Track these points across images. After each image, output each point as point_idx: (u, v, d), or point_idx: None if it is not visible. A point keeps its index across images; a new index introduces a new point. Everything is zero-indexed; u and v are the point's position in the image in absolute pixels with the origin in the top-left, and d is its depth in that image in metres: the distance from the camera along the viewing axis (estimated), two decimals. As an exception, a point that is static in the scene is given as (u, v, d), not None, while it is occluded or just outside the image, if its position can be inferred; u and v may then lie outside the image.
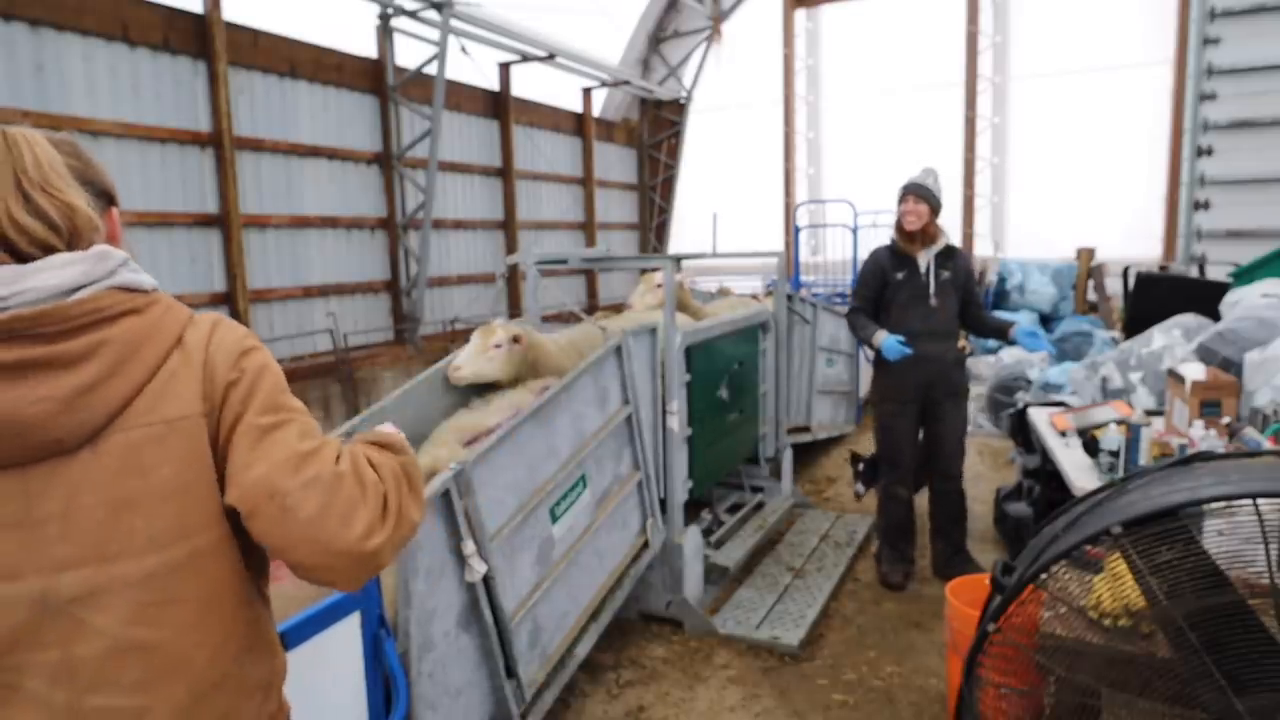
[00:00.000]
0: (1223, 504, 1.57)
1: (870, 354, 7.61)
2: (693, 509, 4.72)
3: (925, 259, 4.37)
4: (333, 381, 9.49)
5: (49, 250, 1.09)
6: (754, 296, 6.63)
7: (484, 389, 3.61)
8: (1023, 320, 9.75)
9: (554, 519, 3.16)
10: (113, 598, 1.08)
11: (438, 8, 10.56)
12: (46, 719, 1.07)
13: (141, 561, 1.09)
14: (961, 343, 4.54)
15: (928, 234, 4.34)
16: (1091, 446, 3.54)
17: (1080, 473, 3.45)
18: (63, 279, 1.07)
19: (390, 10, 10.72)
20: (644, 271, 5.78)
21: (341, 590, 1.23)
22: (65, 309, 1.05)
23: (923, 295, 4.37)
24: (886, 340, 4.32)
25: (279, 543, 1.13)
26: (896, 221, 4.43)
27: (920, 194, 4.30)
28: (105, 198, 1.23)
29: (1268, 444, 3.19)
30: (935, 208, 4.36)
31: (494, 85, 13.36)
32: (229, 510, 1.16)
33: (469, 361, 3.50)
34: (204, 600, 1.15)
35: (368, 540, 1.15)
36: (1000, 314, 9.10)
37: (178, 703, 1.13)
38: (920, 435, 4.62)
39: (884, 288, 4.45)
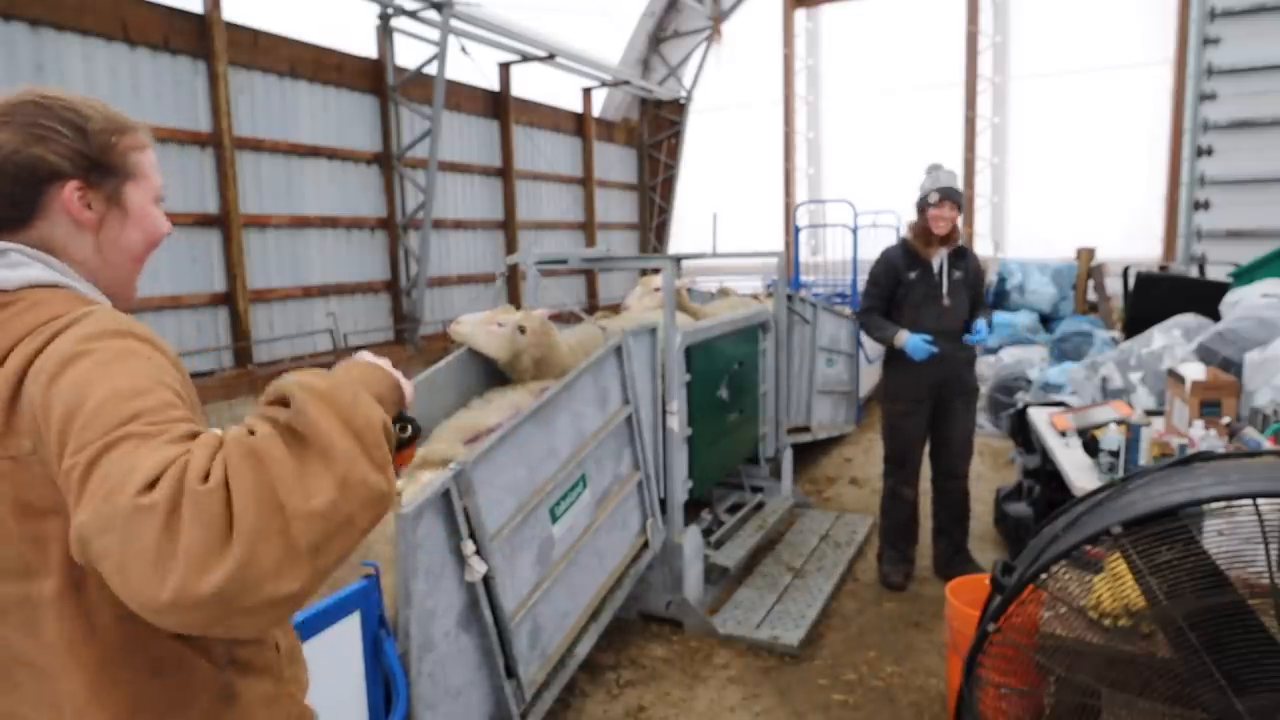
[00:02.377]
0: (1223, 504, 1.57)
1: (871, 354, 7.60)
2: (693, 509, 4.72)
3: (939, 259, 4.37)
4: (333, 381, 9.47)
5: None
6: (755, 297, 6.62)
7: (484, 389, 3.61)
8: (1022, 320, 9.77)
9: (554, 519, 3.16)
10: (6, 614, 1.00)
11: (438, 8, 10.56)
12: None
13: (14, 586, 0.98)
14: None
15: (951, 235, 4.34)
16: (1091, 446, 3.54)
17: (1080, 473, 3.45)
18: None
19: (390, 10, 10.72)
20: (643, 273, 5.79)
21: (243, 637, 1.02)
22: None
23: (936, 295, 4.36)
24: (911, 340, 4.29)
25: (125, 594, 0.83)
26: (916, 224, 4.38)
27: (955, 199, 4.29)
28: (40, 180, 1.05)
29: (1268, 444, 3.19)
30: (961, 209, 4.38)
31: (494, 85, 13.37)
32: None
33: (470, 324, 3.51)
34: (57, 648, 0.98)
35: (202, 580, 0.78)
36: (996, 314, 9.10)
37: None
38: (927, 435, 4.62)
39: (896, 287, 4.43)
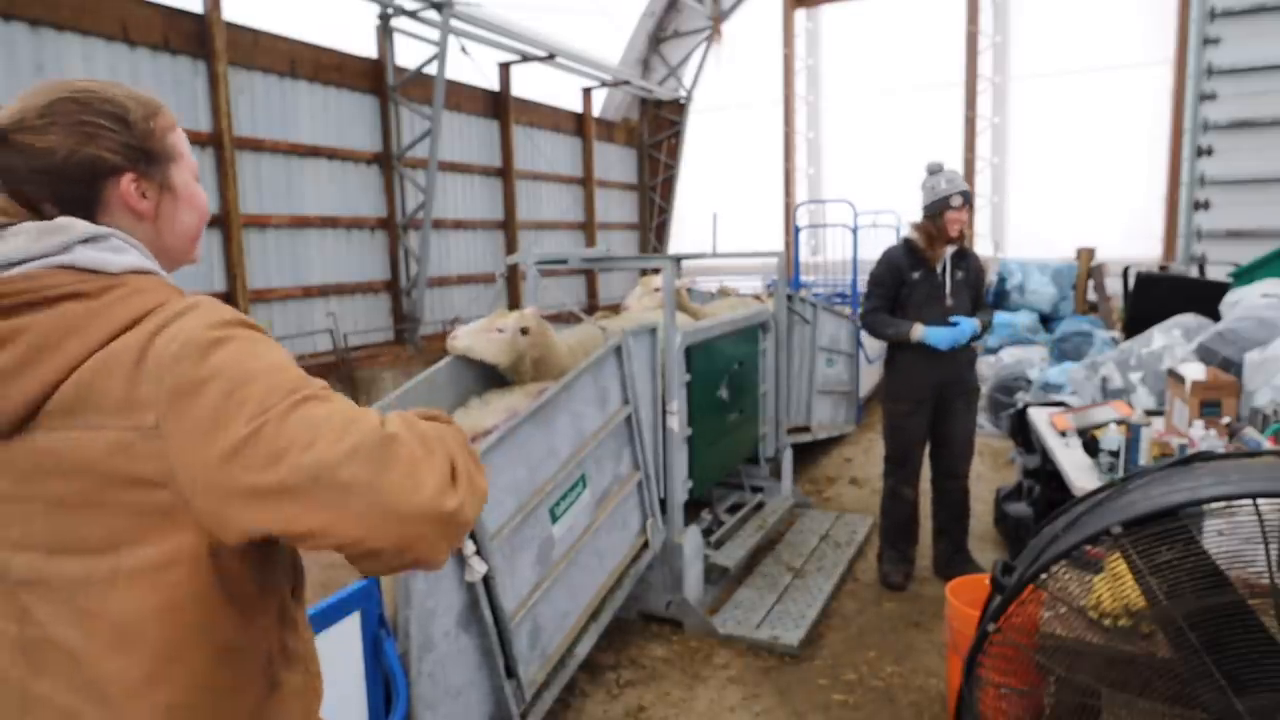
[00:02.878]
0: (1223, 504, 1.57)
1: (871, 354, 7.59)
2: (693, 509, 4.71)
3: (941, 260, 4.37)
4: (333, 382, 9.48)
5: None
6: (756, 297, 6.61)
7: (483, 390, 3.61)
8: (1022, 320, 9.77)
9: (554, 519, 3.16)
10: (51, 592, 1.00)
11: (438, 8, 10.56)
12: (4, 693, 1.03)
13: (76, 563, 0.99)
14: (973, 342, 4.53)
15: (958, 236, 4.35)
16: (1091, 446, 3.54)
17: (1080, 473, 3.45)
18: (3, 252, 0.96)
19: (390, 10, 10.72)
20: (643, 273, 5.79)
21: (430, 567, 1.01)
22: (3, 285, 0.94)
23: (939, 295, 4.36)
24: (930, 331, 4.27)
25: (339, 529, 0.92)
26: (928, 226, 4.34)
27: (971, 201, 4.30)
28: (97, 175, 1.07)
29: (1268, 444, 3.19)
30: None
31: (494, 85, 13.37)
32: (236, 549, 1.00)
33: (468, 335, 3.46)
34: (125, 626, 0.99)
35: (443, 499, 0.95)
36: (996, 314, 9.09)
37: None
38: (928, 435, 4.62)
39: (900, 287, 4.43)
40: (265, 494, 0.91)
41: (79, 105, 1.06)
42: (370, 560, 0.96)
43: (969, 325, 4.30)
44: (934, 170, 4.35)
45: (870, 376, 8.04)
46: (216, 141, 8.63)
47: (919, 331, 4.30)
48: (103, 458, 0.96)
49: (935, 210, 4.27)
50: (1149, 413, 4.02)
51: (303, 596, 1.21)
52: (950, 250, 4.37)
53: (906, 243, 4.45)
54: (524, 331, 3.47)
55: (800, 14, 16.28)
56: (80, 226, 1.01)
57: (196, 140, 8.46)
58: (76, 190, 1.05)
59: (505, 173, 13.69)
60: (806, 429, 6.52)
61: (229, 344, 0.96)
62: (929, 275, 4.37)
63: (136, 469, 0.96)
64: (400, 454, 0.94)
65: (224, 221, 8.72)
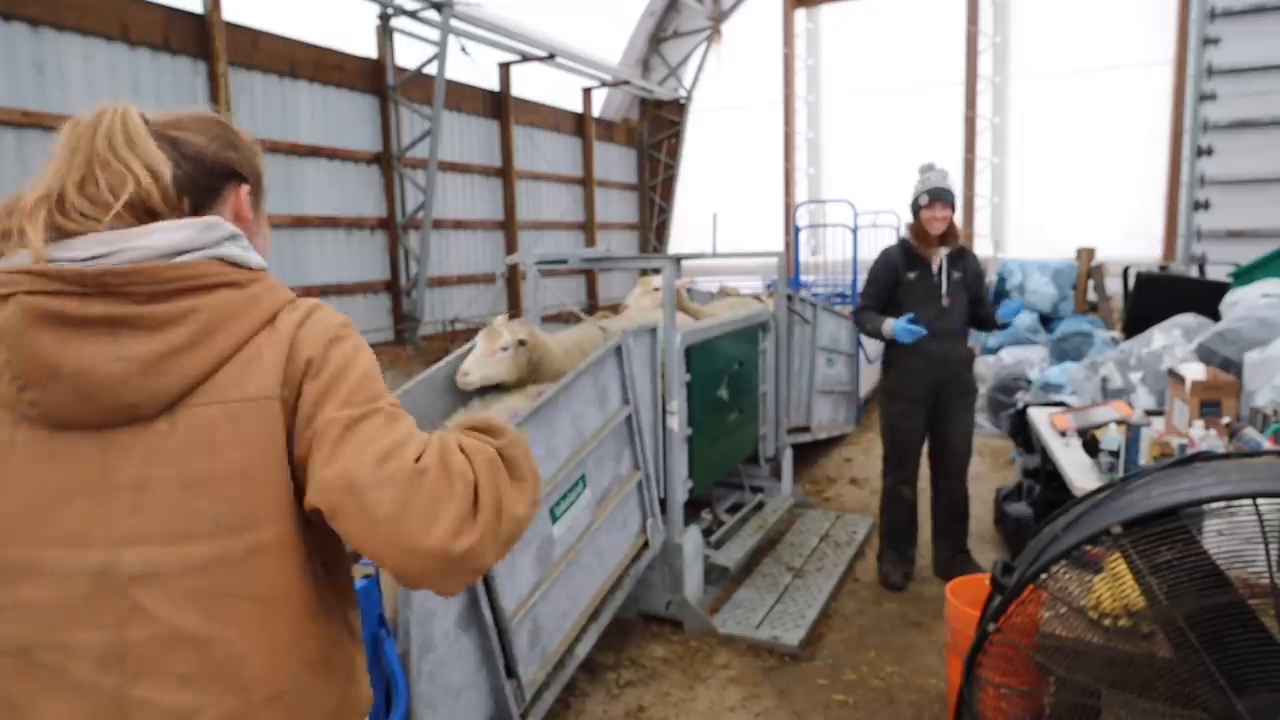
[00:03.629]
0: (1223, 504, 1.57)
1: (870, 354, 7.60)
2: (693, 509, 4.72)
3: (938, 259, 4.37)
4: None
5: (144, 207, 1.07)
6: (757, 297, 6.61)
7: (484, 391, 3.61)
8: (1022, 320, 9.77)
9: (554, 519, 3.17)
10: (172, 582, 1.02)
11: (438, 8, 10.56)
12: (88, 709, 1.01)
13: (205, 546, 1.03)
14: (971, 342, 4.54)
15: (948, 235, 4.34)
16: (1091, 446, 3.54)
17: (1080, 473, 3.45)
18: (166, 242, 1.04)
19: (390, 10, 10.72)
20: (643, 273, 5.78)
21: (440, 594, 1.11)
22: (158, 270, 1.02)
23: (935, 295, 4.36)
24: (897, 325, 4.29)
25: (362, 543, 1.04)
26: (914, 224, 4.39)
27: (946, 199, 4.29)
28: (228, 176, 1.19)
29: (1268, 444, 3.19)
30: (954, 209, 4.37)
31: (494, 85, 13.37)
32: (309, 514, 1.09)
33: (476, 366, 3.49)
34: (265, 600, 1.07)
35: (456, 540, 1.02)
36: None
37: (228, 709, 1.05)
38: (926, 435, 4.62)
39: (895, 287, 4.44)
40: (321, 480, 1.04)
41: (221, 125, 1.21)
42: (394, 575, 1.07)
43: (1013, 308, 4.44)
44: (921, 170, 4.41)
45: (870, 376, 8.04)
46: (216, 141, 8.64)
47: (888, 327, 4.34)
48: (257, 426, 1.06)
49: (914, 210, 4.39)
50: (1149, 413, 4.02)
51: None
52: (946, 250, 4.37)
53: (903, 242, 4.47)
54: (521, 344, 3.52)
55: (800, 14, 16.28)
56: (227, 225, 1.12)
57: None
58: (210, 182, 1.17)
59: (505, 173, 13.69)
60: (806, 429, 6.52)
61: (346, 339, 1.13)
62: (925, 275, 4.38)
63: (280, 440, 1.07)
64: (423, 489, 1.02)
65: (224, 221, 8.72)
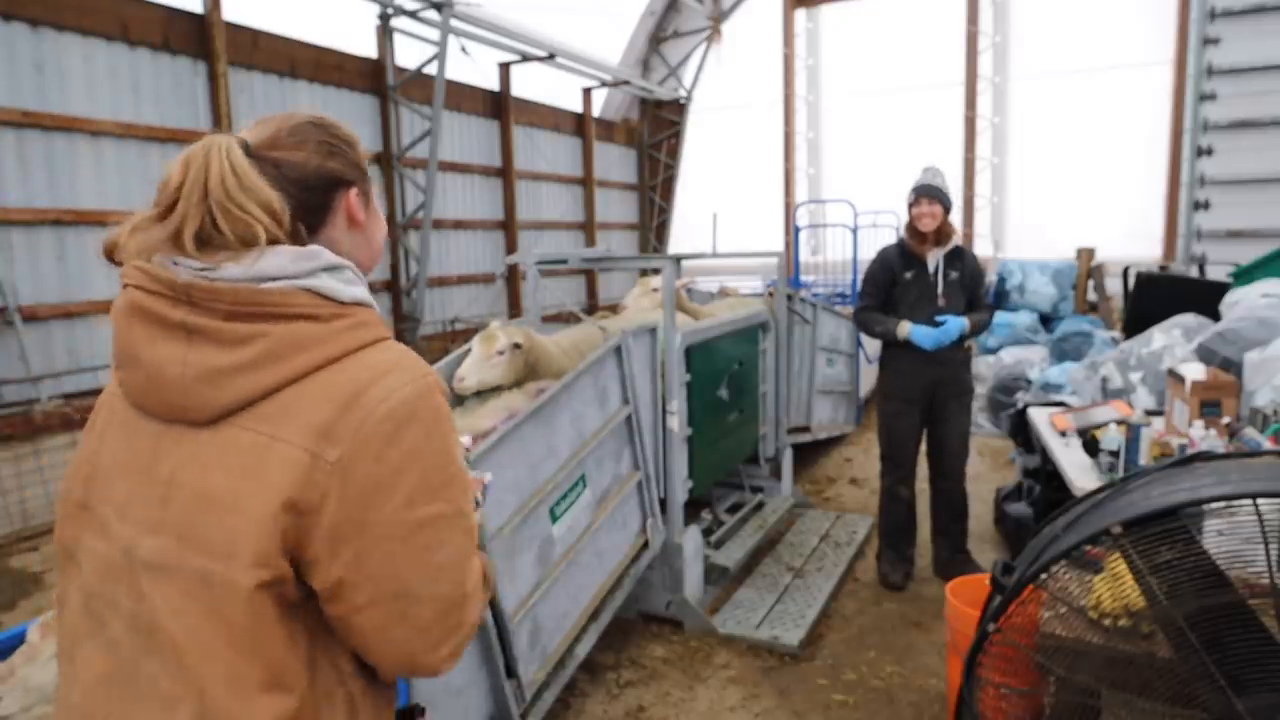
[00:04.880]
0: (1223, 504, 1.57)
1: (870, 354, 7.59)
2: (693, 509, 4.72)
3: (935, 259, 4.37)
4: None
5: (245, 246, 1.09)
6: (770, 293, 6.56)
7: (482, 390, 3.61)
8: (1022, 320, 9.77)
9: (554, 519, 3.17)
10: (173, 580, 1.05)
11: (438, 8, 10.56)
12: (114, 663, 1.08)
13: (200, 559, 1.05)
14: (968, 342, 4.52)
15: (942, 234, 4.34)
16: (1091, 446, 3.54)
17: (1080, 473, 3.45)
18: (259, 268, 1.07)
19: (390, 10, 10.72)
20: (643, 273, 5.78)
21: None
22: (240, 292, 1.06)
23: (931, 295, 4.36)
24: (915, 329, 4.28)
25: (372, 645, 1.09)
26: (908, 223, 4.40)
27: (934, 195, 4.29)
28: (334, 186, 1.20)
29: (1268, 444, 3.19)
30: (948, 207, 4.36)
31: (494, 85, 13.37)
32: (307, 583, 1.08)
33: (473, 371, 3.49)
34: (231, 641, 1.04)
35: (448, 661, 1.14)
36: (996, 315, 9.06)
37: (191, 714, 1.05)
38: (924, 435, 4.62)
39: (892, 287, 4.44)
40: (358, 571, 1.05)
41: (319, 129, 1.21)
42: (360, 650, 1.13)
43: (955, 324, 4.27)
44: (921, 172, 4.43)
45: (870, 376, 8.04)
46: (216, 141, 8.64)
47: (905, 329, 4.31)
48: (275, 469, 1.04)
49: (908, 210, 4.40)
50: (1149, 413, 4.02)
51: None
52: (943, 250, 4.37)
53: (900, 242, 4.47)
54: (517, 347, 3.52)
55: (800, 14, 16.28)
56: (326, 256, 1.13)
57: (196, 140, 8.46)
58: (318, 198, 1.18)
59: (505, 173, 13.69)
60: (806, 429, 6.52)
61: (422, 421, 1.09)
62: (921, 275, 4.38)
63: (298, 491, 1.04)
64: (455, 615, 1.13)
65: (224, 221, 8.72)
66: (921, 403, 4.47)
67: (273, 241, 1.09)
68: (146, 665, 1.06)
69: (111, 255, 1.12)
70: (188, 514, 1.06)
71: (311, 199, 1.17)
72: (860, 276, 5.06)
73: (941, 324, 4.28)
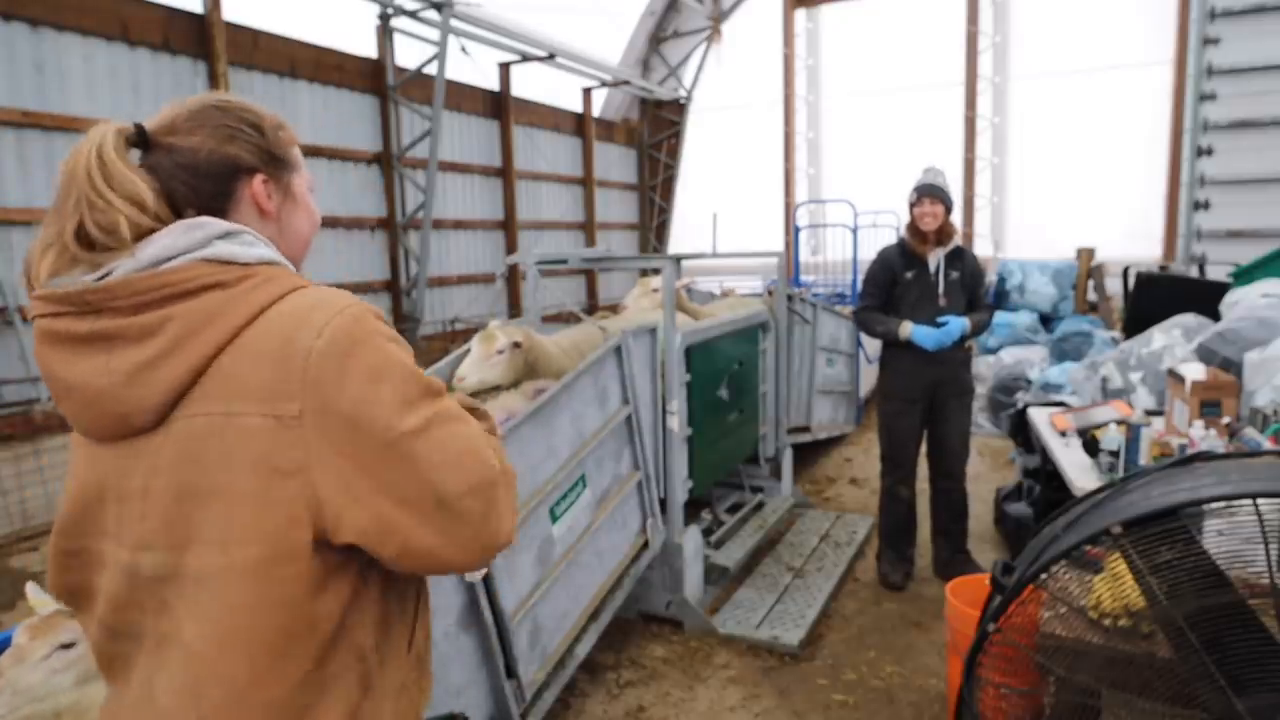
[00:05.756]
0: (1223, 504, 1.57)
1: (870, 354, 7.59)
2: (693, 509, 4.71)
3: (935, 259, 4.37)
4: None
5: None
6: (770, 292, 6.56)
7: (480, 391, 3.61)
8: (1022, 320, 9.77)
9: (554, 519, 3.17)
10: (179, 587, 1.02)
11: (438, 8, 10.56)
12: (144, 692, 1.05)
13: (189, 558, 1.01)
14: (968, 342, 4.51)
15: (943, 234, 4.34)
16: (1091, 446, 3.54)
17: (1080, 473, 3.45)
18: (148, 254, 1.03)
19: (390, 10, 10.72)
20: (643, 273, 5.78)
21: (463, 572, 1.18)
22: (132, 282, 1.00)
23: (932, 295, 4.36)
24: (917, 330, 4.28)
25: (445, 554, 1.05)
26: (909, 223, 4.40)
27: (936, 195, 4.29)
28: (234, 172, 1.14)
29: (1268, 444, 3.19)
30: (949, 207, 4.36)
31: (494, 85, 13.37)
32: (335, 547, 1.03)
33: (473, 370, 3.49)
34: (241, 624, 1.01)
35: (513, 532, 1.13)
36: (996, 315, 9.05)
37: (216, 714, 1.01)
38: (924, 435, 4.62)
39: (893, 287, 4.44)
40: (389, 501, 1.01)
41: (221, 111, 1.16)
42: (432, 569, 1.09)
43: (957, 325, 4.27)
44: (922, 172, 4.43)
45: (870, 376, 8.04)
46: (216, 141, 8.64)
47: (907, 330, 4.31)
48: (240, 442, 1.00)
49: (909, 209, 4.40)
50: (1149, 413, 4.02)
51: (420, 598, 1.24)
52: (944, 250, 4.37)
53: (901, 242, 4.47)
54: (516, 346, 3.52)
55: (800, 14, 16.28)
56: (217, 224, 1.07)
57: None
58: (214, 185, 1.13)
59: (505, 173, 13.68)
60: (806, 429, 6.52)
61: (370, 342, 1.05)
62: (922, 275, 4.38)
63: (272, 456, 1.00)
64: (501, 495, 1.09)
65: (224, 221, 8.73)
66: (922, 403, 4.47)
67: (147, 232, 1.04)
68: (158, 681, 1.04)
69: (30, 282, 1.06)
70: (169, 518, 1.02)
71: (206, 186, 1.12)
72: (860, 276, 5.06)
73: (943, 324, 4.28)
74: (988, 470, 6.60)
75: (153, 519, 1.03)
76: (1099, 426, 3.72)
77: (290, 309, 1.04)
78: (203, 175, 1.12)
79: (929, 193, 4.29)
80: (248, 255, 1.07)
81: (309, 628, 1.04)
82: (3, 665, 1.77)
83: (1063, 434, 4.01)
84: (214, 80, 8.60)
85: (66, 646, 1.81)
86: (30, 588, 2.06)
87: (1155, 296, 6.49)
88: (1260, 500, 1.51)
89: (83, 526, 1.10)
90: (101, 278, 1.02)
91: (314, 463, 1.00)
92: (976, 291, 4.49)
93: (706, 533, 4.70)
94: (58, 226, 1.04)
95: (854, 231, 10.95)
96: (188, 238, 1.04)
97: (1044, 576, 1.74)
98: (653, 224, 18.17)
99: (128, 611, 1.06)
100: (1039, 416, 4.45)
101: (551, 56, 13.23)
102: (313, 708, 1.07)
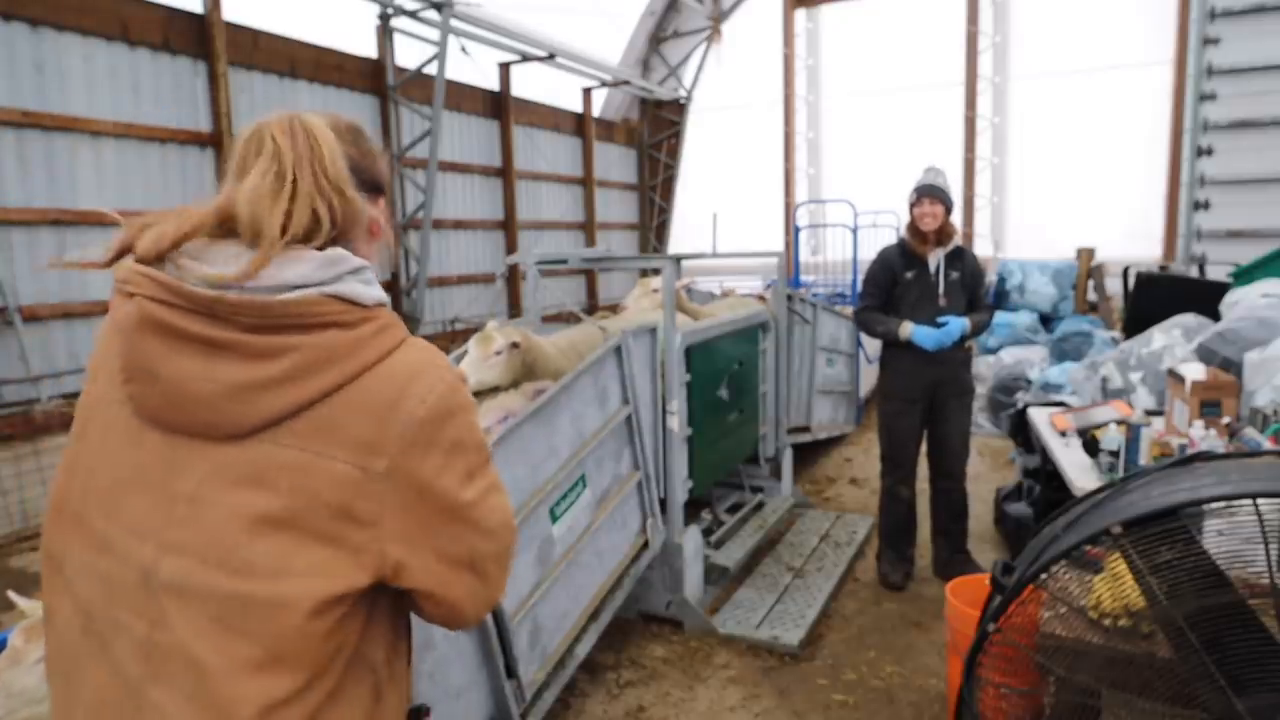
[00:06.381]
0: (1223, 504, 1.57)
1: (871, 354, 7.60)
2: (693, 509, 4.71)
3: (935, 259, 4.37)
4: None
5: (307, 241, 1.07)
6: (760, 297, 6.58)
7: (479, 392, 3.61)
8: (1022, 320, 9.77)
9: (554, 519, 3.17)
10: (196, 602, 1.01)
11: (438, 8, 10.56)
12: (119, 689, 1.04)
13: (233, 581, 1.01)
14: (968, 342, 4.51)
15: (943, 234, 4.33)
16: (1091, 446, 3.54)
17: (1080, 473, 3.45)
18: (288, 276, 1.04)
19: (390, 10, 10.72)
20: (643, 273, 5.78)
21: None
22: (267, 305, 1.02)
23: (932, 295, 4.36)
24: (917, 330, 4.28)
25: (467, 607, 1.17)
26: (910, 223, 4.41)
27: (936, 195, 4.29)
28: (374, 188, 1.21)
29: (1268, 444, 3.19)
30: (949, 207, 4.35)
31: (494, 85, 13.37)
32: (377, 579, 1.08)
33: (471, 371, 3.49)
34: (274, 654, 1.02)
35: (504, 586, 1.25)
36: (996, 315, 9.06)
37: None
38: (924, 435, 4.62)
39: (893, 287, 4.45)
40: (436, 557, 1.10)
41: (360, 134, 1.23)
42: (448, 620, 1.20)
43: (957, 325, 4.27)
44: (923, 172, 4.43)
45: (870, 376, 8.04)
46: (216, 142, 8.64)
47: (907, 330, 4.31)
48: (326, 486, 1.02)
49: (909, 210, 4.41)
50: (1149, 413, 4.02)
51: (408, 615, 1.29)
52: (944, 250, 4.37)
53: (901, 242, 4.47)
54: (515, 346, 3.51)
55: (800, 14, 16.28)
56: (350, 259, 1.09)
57: (197, 140, 8.47)
58: (362, 197, 1.16)
59: (505, 173, 13.68)
60: (806, 429, 6.52)
61: (460, 416, 1.12)
62: (922, 275, 4.38)
63: (353, 504, 1.03)
64: (508, 560, 1.21)
65: (224, 221, 8.71)
66: (922, 402, 4.47)
67: (314, 241, 1.07)
68: (154, 693, 1.02)
69: (122, 255, 1.08)
70: (219, 533, 1.01)
71: (349, 208, 1.12)
72: (860, 277, 5.06)
73: (943, 324, 4.28)
74: (988, 470, 6.60)
75: (196, 529, 1.02)
76: (1099, 426, 3.72)
77: (402, 369, 1.08)
78: (369, 186, 1.19)
79: (928, 193, 4.29)
80: (368, 296, 1.09)
81: (338, 650, 1.07)
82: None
83: (1063, 434, 4.01)
84: (214, 80, 8.59)
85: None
86: (13, 595, 2.07)
87: (1155, 296, 6.49)
88: (1260, 500, 1.51)
89: (92, 498, 1.08)
90: (221, 286, 1.03)
91: (386, 516, 1.05)
92: (977, 292, 4.48)
93: (706, 533, 4.70)
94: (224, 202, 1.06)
95: (854, 231, 10.95)
96: (323, 272, 1.06)
97: (1044, 576, 1.74)
98: (653, 224, 18.17)
99: (117, 608, 1.05)
100: (1039, 416, 4.45)
101: (551, 56, 13.22)
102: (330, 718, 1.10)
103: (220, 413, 1.01)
